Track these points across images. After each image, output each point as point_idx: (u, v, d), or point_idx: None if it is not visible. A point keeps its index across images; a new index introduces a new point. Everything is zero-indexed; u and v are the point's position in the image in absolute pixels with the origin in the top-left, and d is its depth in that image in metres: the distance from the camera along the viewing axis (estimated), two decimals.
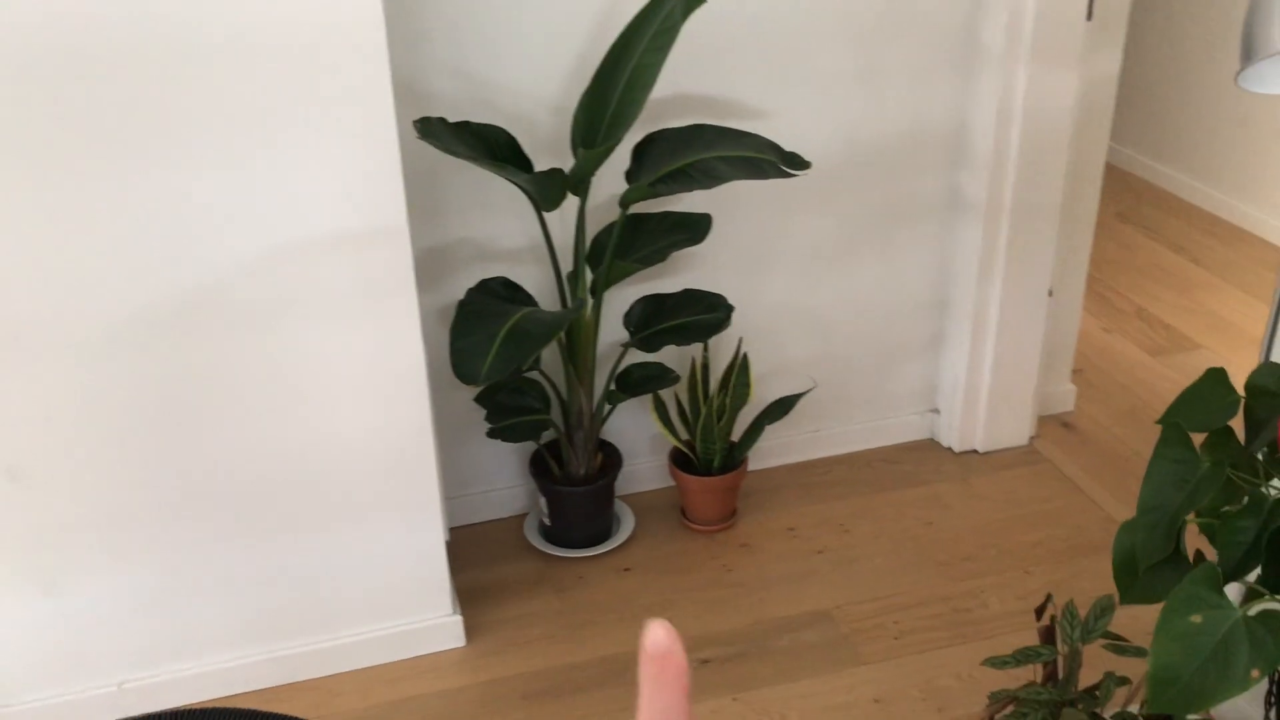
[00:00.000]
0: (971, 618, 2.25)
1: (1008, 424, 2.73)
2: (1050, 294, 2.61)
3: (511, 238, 2.26)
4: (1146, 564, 1.26)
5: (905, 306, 2.62)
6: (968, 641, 2.19)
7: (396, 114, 1.76)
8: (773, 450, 2.65)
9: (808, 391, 2.53)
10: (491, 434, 2.27)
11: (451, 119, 2.01)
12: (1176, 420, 1.27)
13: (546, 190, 1.99)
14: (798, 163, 1.99)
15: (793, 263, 2.48)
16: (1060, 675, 1.65)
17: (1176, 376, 3.05)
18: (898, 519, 2.52)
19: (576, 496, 2.37)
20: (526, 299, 2.15)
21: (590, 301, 2.16)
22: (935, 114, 2.43)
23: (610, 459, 2.42)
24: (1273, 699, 1.39)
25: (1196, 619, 1.16)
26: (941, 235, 2.56)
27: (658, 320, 2.25)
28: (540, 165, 2.14)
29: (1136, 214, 4.00)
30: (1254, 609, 1.16)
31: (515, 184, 1.99)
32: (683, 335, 2.21)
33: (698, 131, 2.04)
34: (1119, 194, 4.11)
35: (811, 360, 2.60)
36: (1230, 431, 1.33)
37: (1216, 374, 1.33)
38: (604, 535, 2.44)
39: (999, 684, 2.04)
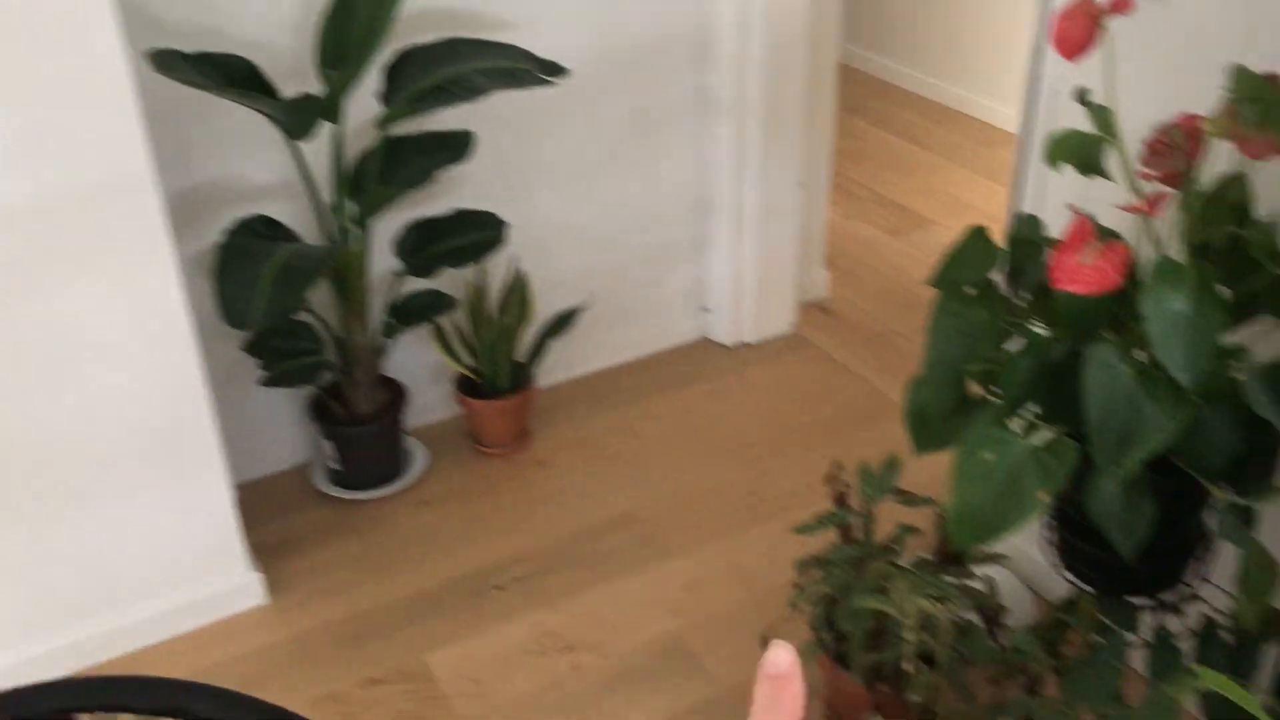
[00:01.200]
0: (764, 498, 2.35)
1: (773, 314, 2.85)
2: (802, 186, 2.72)
3: (265, 173, 2.14)
4: (937, 414, 1.35)
5: (669, 210, 2.67)
6: (764, 520, 2.30)
7: (125, 47, 1.62)
8: (557, 365, 2.67)
9: (586, 304, 2.54)
10: (267, 382, 2.17)
11: (181, 49, 1.87)
12: (951, 278, 1.36)
13: (297, 117, 1.89)
14: (555, 70, 1.98)
15: (557, 175, 2.48)
16: (858, 534, 1.76)
17: (916, 253, 3.26)
18: (684, 416, 2.60)
19: (364, 436, 2.31)
20: (289, 236, 2.05)
21: (357, 232, 2.08)
22: (678, 17, 2.46)
23: (394, 394, 2.36)
24: (1051, 543, 1.54)
25: (989, 456, 1.26)
26: (696, 137, 2.62)
27: (431, 244, 2.20)
28: (285, 93, 2.02)
29: (862, 106, 4.22)
30: (1036, 439, 1.26)
31: (264, 114, 1.88)
32: (458, 257, 2.17)
33: (451, 46, 1.98)
34: (843, 87, 4.30)
35: (586, 272, 2.62)
36: (993, 284, 1.44)
37: (978, 231, 1.43)
38: (396, 472, 2.40)
39: (799, 554, 2.15)
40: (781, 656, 0.38)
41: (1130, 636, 1.44)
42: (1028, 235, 1.38)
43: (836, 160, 3.73)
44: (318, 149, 2.12)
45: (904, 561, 1.69)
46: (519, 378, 2.42)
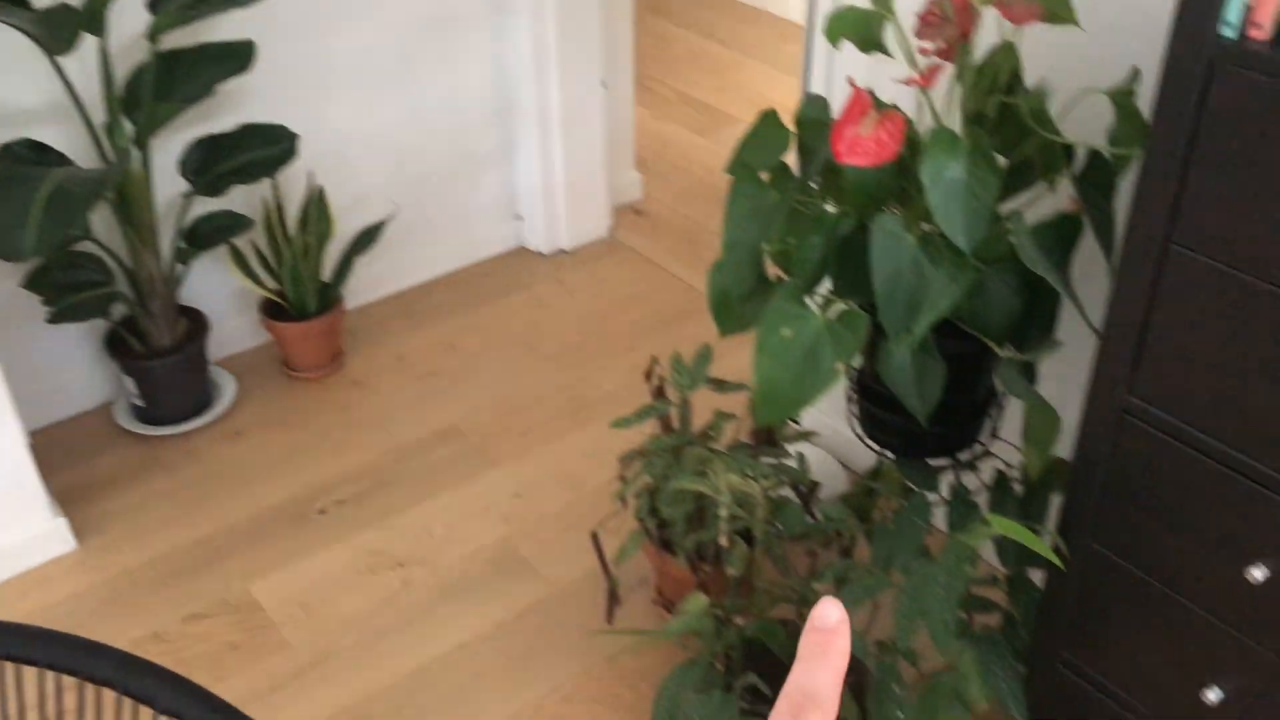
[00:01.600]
0: (587, 400, 2.37)
1: (588, 219, 2.84)
2: (605, 86, 2.70)
3: (28, 94, 1.99)
4: (738, 296, 1.37)
5: (472, 115, 2.61)
6: (589, 422, 2.31)
7: None
8: (369, 284, 2.60)
9: (390, 218, 2.48)
10: (53, 318, 2.04)
11: None
12: (745, 162, 1.37)
13: (55, 30, 1.76)
14: None
15: (349, 83, 2.38)
16: (675, 424, 1.79)
17: (723, 151, 3.29)
18: (503, 327, 2.58)
19: (166, 369, 2.21)
20: (60, 160, 1.92)
21: (137, 153, 1.96)
22: None
23: (195, 323, 2.26)
24: (855, 415, 1.60)
25: (788, 333, 1.29)
26: (494, 38, 2.55)
27: (218, 162, 2.09)
28: (39, 4, 1.88)
29: (663, 5, 4.20)
30: (831, 313, 1.30)
31: (15, 27, 1.74)
32: (248, 174, 2.07)
33: None
34: None
35: (389, 184, 2.55)
36: (786, 167, 1.46)
37: (770, 115, 1.44)
38: (204, 404, 2.31)
39: (623, 451, 2.18)
40: (830, 611, 0.38)
41: (932, 496, 1.52)
42: (815, 116, 1.41)
43: (641, 61, 3.71)
44: (87, 66, 1.98)
45: (721, 446, 1.73)
46: (326, 298, 2.35)
